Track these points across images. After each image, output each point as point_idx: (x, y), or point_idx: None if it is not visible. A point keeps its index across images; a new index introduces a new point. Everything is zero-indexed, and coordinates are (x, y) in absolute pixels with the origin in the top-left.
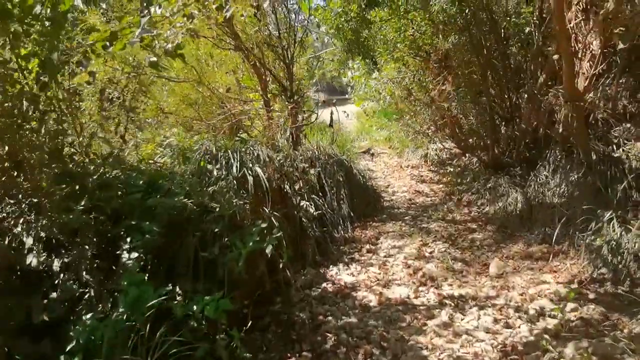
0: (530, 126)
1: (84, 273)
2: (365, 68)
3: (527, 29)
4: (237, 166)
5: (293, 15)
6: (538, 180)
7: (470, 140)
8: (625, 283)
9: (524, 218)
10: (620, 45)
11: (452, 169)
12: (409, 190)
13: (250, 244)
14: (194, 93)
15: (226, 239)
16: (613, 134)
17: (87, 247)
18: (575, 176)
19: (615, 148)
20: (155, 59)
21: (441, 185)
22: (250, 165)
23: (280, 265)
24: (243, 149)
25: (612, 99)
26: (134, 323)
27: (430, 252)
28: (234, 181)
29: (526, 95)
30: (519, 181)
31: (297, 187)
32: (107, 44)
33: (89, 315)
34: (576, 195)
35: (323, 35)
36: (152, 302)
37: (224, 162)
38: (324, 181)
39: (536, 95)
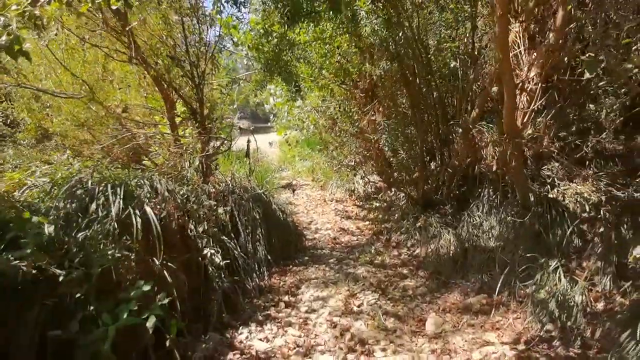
0: (462, 162)
1: None
2: (288, 94)
3: (453, 64)
4: (119, 204)
5: (205, 28)
6: (471, 220)
7: (397, 174)
8: (576, 343)
9: (458, 263)
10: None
11: (378, 204)
12: (334, 227)
13: (125, 315)
14: (85, 112)
15: (92, 308)
16: (544, 172)
17: None
18: (511, 218)
19: (550, 188)
20: None
21: (367, 223)
22: (143, 201)
23: (169, 337)
24: (133, 182)
25: (543, 134)
26: None
27: (359, 306)
28: (115, 224)
29: (460, 130)
30: (450, 221)
31: (203, 228)
32: None
33: None
34: (513, 239)
35: (242, 56)
36: None
37: (103, 199)
38: (237, 219)
39: (469, 130)
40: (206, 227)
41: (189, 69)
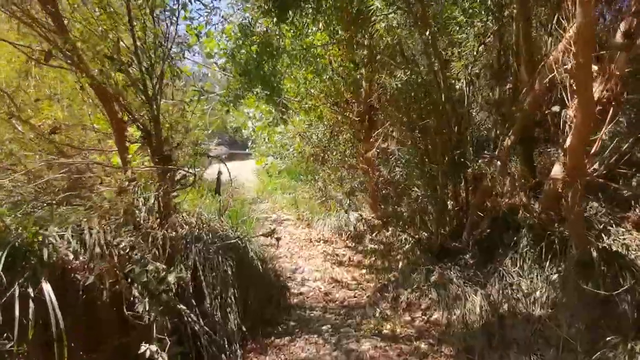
0: (494, 203)
1: None
2: (270, 117)
3: (458, 85)
4: None
5: (166, 25)
6: (505, 278)
7: (396, 211)
8: None
9: (496, 337)
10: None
11: (374, 246)
12: (324, 277)
13: None
14: (5, 130)
15: None
16: (598, 217)
17: None
18: (558, 276)
19: (603, 236)
20: None
21: (364, 271)
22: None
23: None
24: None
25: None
26: None
27: None
28: None
29: (498, 162)
30: (475, 276)
31: (152, 296)
32: None
33: None
34: (567, 306)
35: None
36: None
37: None
38: (202, 277)
39: (506, 162)
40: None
41: (140, 76)
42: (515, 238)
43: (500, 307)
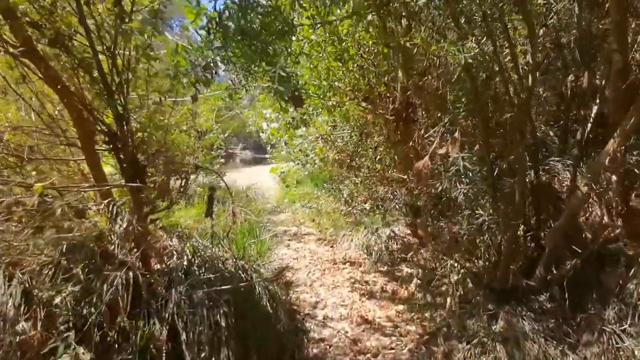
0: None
1: None
2: (286, 116)
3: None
4: None
5: None
6: (611, 337)
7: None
8: None
9: None
10: None
11: (411, 271)
12: (352, 315)
13: None
14: None
15: None
16: None
17: None
18: None
19: None
20: None
21: (401, 307)
22: None
23: None
24: None
25: None
26: None
27: None
28: None
29: (610, 175)
30: (555, 327)
31: None
32: None
33: None
34: None
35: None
36: None
37: None
38: (184, 336)
39: (620, 176)
40: None
41: (94, 62)
42: (620, 280)
43: None
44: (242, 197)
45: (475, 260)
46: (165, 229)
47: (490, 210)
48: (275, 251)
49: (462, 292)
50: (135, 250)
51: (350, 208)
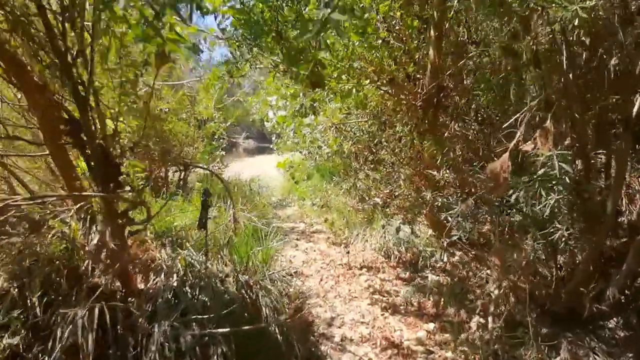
0: None
1: None
2: (295, 103)
3: None
4: None
5: None
6: None
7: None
8: None
9: None
10: None
11: (436, 277)
12: (375, 335)
13: None
14: None
15: None
16: None
17: None
18: None
19: None
20: None
21: (432, 326)
22: None
23: None
24: None
25: None
26: None
27: None
28: None
29: None
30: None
31: None
32: None
33: None
34: None
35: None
36: None
37: None
38: None
39: None
40: None
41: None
42: None
43: None
44: (245, 191)
45: (533, 278)
46: (158, 234)
47: (571, 223)
48: (283, 252)
49: (504, 310)
50: (110, 269)
51: (367, 206)
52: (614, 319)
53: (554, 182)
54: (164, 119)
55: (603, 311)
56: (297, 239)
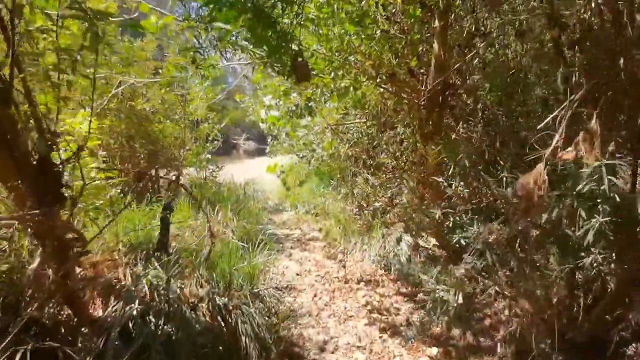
0: None
1: None
2: (288, 103)
3: None
4: None
5: None
6: None
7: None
8: None
9: None
10: None
11: (442, 294)
12: None
13: None
14: None
15: None
16: None
17: None
18: None
19: None
20: None
21: (435, 351)
22: None
23: None
24: None
25: None
26: None
27: None
28: None
29: None
30: None
31: None
32: None
33: None
34: None
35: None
36: None
37: None
38: None
39: None
40: None
41: None
42: None
43: None
44: (239, 196)
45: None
46: (133, 246)
47: (605, 245)
48: (276, 263)
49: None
50: (53, 299)
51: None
52: (633, 345)
53: (598, 201)
54: (151, 120)
55: (625, 338)
56: (291, 247)
